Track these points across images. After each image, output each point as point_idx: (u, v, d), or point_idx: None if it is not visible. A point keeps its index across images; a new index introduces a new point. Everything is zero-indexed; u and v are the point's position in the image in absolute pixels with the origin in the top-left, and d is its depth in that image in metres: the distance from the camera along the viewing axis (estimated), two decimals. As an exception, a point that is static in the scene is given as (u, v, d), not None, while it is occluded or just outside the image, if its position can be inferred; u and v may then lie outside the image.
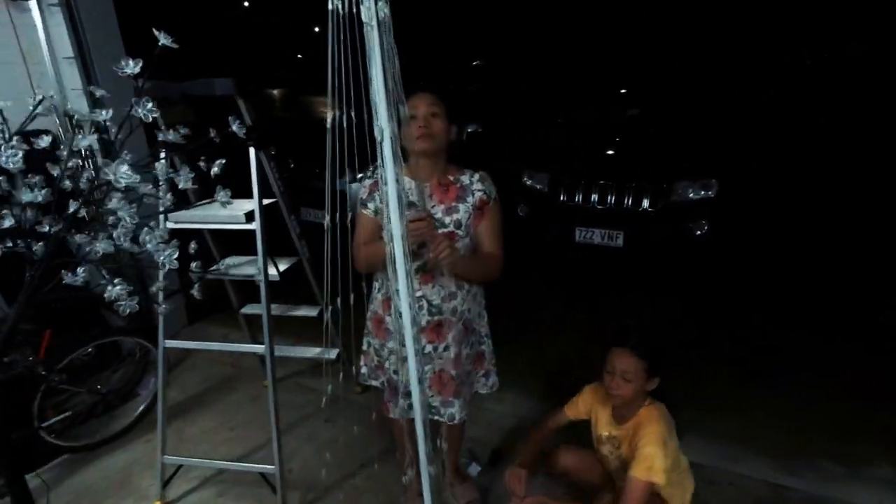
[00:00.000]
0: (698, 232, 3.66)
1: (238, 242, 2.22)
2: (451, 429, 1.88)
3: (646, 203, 3.72)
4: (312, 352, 2.57)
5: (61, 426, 2.34)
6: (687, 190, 3.69)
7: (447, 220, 1.59)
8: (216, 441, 2.53)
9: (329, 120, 1.01)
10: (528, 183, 4.31)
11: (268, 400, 2.02)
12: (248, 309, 2.56)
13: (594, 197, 3.86)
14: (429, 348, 1.67)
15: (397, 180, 1.08)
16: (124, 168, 0.92)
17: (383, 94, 1.00)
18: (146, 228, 0.98)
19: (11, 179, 1.14)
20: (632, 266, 4.14)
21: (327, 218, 1.12)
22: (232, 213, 1.97)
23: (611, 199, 3.80)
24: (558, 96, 5.50)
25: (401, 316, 1.21)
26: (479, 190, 1.62)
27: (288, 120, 6.33)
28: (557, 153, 4.45)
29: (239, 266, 2.21)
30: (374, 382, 1.79)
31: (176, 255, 0.99)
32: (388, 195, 1.08)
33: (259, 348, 2.03)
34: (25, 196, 1.05)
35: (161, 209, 1.31)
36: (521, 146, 4.80)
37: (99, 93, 1.13)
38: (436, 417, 1.75)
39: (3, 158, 0.94)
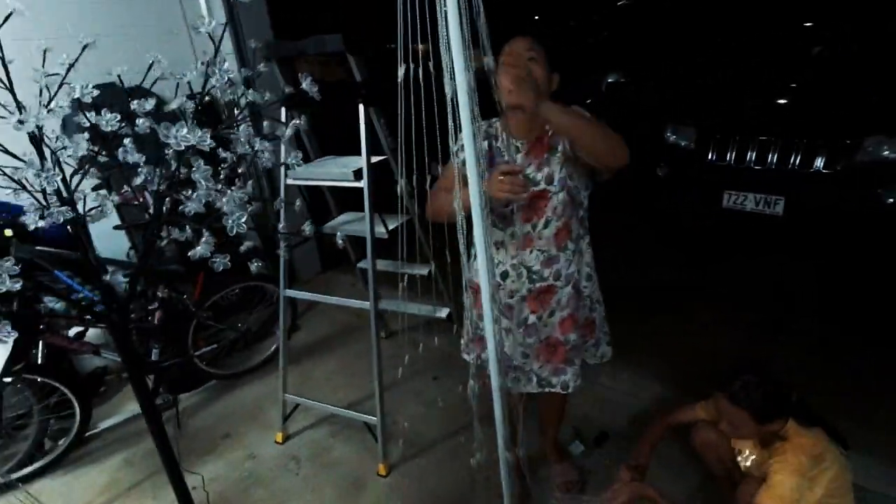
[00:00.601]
0: (891, 200, 2.94)
1: (359, 199, 2.28)
2: (552, 400, 1.77)
3: (819, 163, 3.07)
4: (423, 309, 2.59)
5: (211, 356, 2.69)
6: (881, 147, 2.96)
7: (538, 176, 1.45)
8: (336, 385, 2.73)
9: (400, 73, 0.92)
10: (672, 139, 3.81)
11: (371, 354, 2.09)
12: (363, 264, 2.65)
13: (751, 156, 3.29)
14: (532, 319, 1.56)
15: (477, 139, 0.96)
16: (198, 133, 0.93)
17: (457, 36, 0.87)
18: (219, 192, 0.99)
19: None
20: (792, 238, 3.51)
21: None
22: (342, 170, 2.01)
23: (772, 158, 3.20)
24: (717, 33, 4.72)
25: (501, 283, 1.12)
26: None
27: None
28: (709, 104, 3.85)
29: (350, 223, 2.27)
30: (466, 356, 1.72)
31: (244, 220, 0.99)
32: (467, 158, 0.98)
33: (364, 304, 2.09)
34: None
35: (280, 164, 1.32)
36: (666, 96, 4.24)
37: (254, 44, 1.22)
38: (547, 390, 1.65)
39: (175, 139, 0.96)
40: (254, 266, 1.25)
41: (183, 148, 0.95)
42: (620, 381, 2.53)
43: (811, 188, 3.14)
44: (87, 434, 2.36)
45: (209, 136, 0.95)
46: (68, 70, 0.94)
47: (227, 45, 3.40)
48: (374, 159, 2.15)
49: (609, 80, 5.33)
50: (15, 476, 2.18)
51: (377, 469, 2.13)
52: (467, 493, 2.00)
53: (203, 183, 0.98)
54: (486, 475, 1.71)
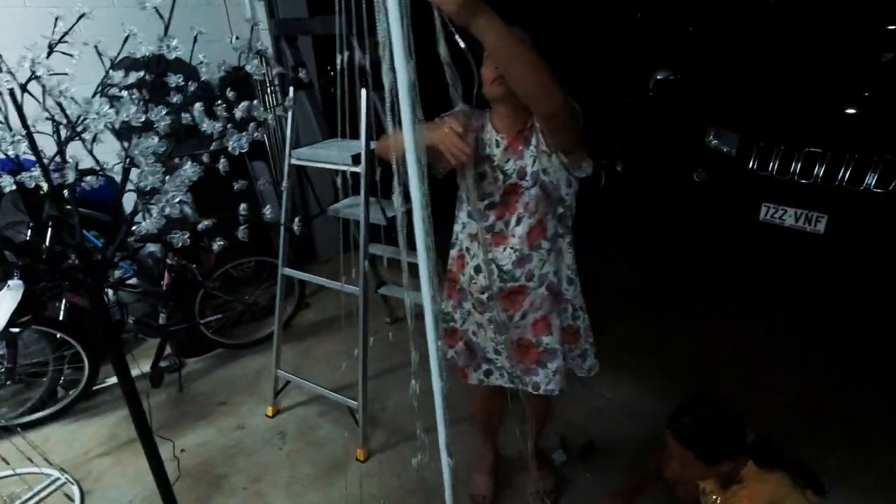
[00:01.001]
0: (951, 227, 2.66)
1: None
2: (536, 401, 1.71)
3: (870, 180, 2.81)
4: (418, 297, 2.57)
5: (217, 325, 2.77)
6: (945, 168, 2.67)
7: (510, 169, 1.39)
8: (334, 365, 2.75)
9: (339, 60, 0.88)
10: (713, 143, 3.59)
11: (358, 340, 2.09)
12: (372, 249, 2.64)
13: (795, 167, 3.05)
14: (502, 316, 1.50)
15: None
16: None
17: (397, 20, 0.82)
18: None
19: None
20: (831, 259, 3.27)
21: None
22: (341, 153, 2.00)
23: (818, 171, 2.96)
24: (778, 33, 4.39)
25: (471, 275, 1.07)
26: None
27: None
28: (757, 108, 3.59)
29: (353, 207, 2.26)
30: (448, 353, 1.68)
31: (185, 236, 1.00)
32: (407, 156, 0.93)
33: (354, 289, 2.08)
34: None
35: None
36: (712, 96, 3.98)
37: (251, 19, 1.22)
38: (519, 386, 1.60)
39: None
40: (241, 233, 1.22)
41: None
42: (618, 391, 2.44)
43: (859, 207, 2.88)
44: (96, 388, 2.50)
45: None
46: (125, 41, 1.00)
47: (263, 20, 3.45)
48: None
49: (658, 77, 5.06)
50: (28, 419, 2.33)
51: (357, 454, 2.14)
52: (440, 488, 1.98)
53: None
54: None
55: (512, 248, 1.44)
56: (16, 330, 2.07)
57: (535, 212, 1.40)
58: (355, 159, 1.97)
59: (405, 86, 0.87)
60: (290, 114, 2.10)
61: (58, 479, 2.05)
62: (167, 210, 1.00)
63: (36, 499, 1.98)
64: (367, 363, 2.12)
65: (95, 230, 2.64)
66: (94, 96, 1.02)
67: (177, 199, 0.99)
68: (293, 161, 2.13)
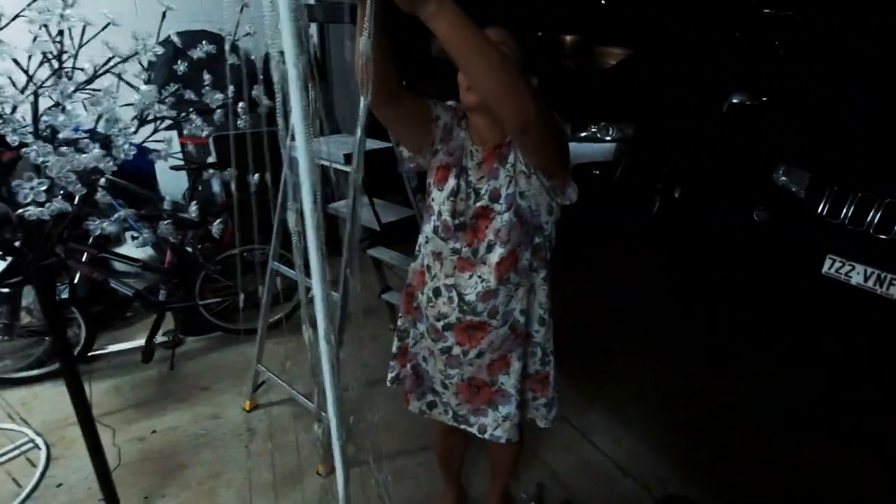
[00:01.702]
0: None
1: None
2: (494, 448, 1.53)
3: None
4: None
5: (218, 308, 2.75)
6: None
7: (482, 189, 1.22)
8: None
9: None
10: (782, 180, 3.20)
11: (330, 349, 1.97)
12: (373, 252, 2.53)
13: (873, 218, 2.63)
14: (457, 350, 1.33)
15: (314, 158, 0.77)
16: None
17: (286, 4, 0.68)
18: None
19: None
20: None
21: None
22: (335, 150, 1.88)
23: (900, 226, 2.54)
24: (876, 70, 3.85)
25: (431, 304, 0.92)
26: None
27: (574, 70, 6.02)
28: (836, 147, 3.16)
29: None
30: (390, 372, 1.53)
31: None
32: (301, 179, 0.79)
33: (335, 294, 1.96)
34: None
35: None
36: (787, 128, 3.56)
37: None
38: (462, 427, 1.43)
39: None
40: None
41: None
42: (617, 448, 2.18)
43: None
44: (92, 354, 2.54)
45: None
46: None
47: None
48: (378, 145, 2.00)
49: (734, 100, 4.62)
50: (24, 374, 2.40)
51: (318, 467, 2.02)
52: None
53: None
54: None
55: (480, 276, 1.26)
56: (5, 290, 2.12)
57: (508, 240, 1.22)
58: (347, 158, 1.85)
59: (295, 84, 0.73)
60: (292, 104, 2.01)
61: (32, 440, 2.08)
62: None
63: (6, 457, 2.01)
64: (337, 371, 2.00)
65: (123, 199, 2.70)
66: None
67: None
68: (291, 153, 2.03)
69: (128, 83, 0.99)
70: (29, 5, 0.87)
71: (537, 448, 2.14)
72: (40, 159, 0.87)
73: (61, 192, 1.02)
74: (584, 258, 3.92)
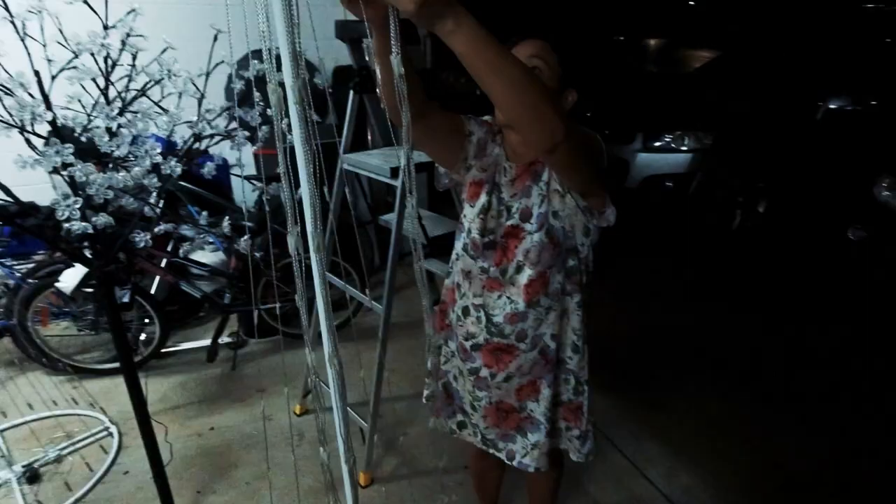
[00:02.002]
0: None
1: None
2: (531, 477, 1.47)
3: None
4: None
5: (278, 313, 2.87)
6: None
7: (513, 207, 1.17)
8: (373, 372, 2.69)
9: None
10: (883, 195, 2.86)
11: (376, 359, 1.99)
12: (427, 264, 2.53)
13: None
14: (485, 372, 1.28)
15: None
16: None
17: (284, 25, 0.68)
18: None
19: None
20: None
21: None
22: (385, 163, 1.90)
23: None
24: None
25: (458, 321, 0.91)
26: None
27: (655, 76, 5.83)
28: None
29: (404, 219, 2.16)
30: (426, 389, 1.50)
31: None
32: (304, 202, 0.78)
33: (378, 306, 1.98)
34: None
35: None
36: (887, 136, 3.16)
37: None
38: (492, 451, 1.38)
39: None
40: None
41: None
42: (670, 483, 2.02)
43: None
44: (165, 350, 2.73)
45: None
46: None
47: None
48: (426, 158, 2.00)
49: (831, 106, 4.19)
50: (108, 366, 2.63)
51: (359, 476, 2.04)
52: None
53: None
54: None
55: (508, 297, 1.21)
56: (89, 290, 2.33)
57: (538, 262, 1.16)
58: (395, 171, 1.86)
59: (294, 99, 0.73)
60: (347, 117, 2.07)
61: (107, 428, 2.27)
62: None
63: (83, 442, 2.20)
64: (381, 383, 2.02)
65: (199, 206, 2.90)
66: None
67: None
68: (344, 166, 2.09)
69: (158, 105, 1.05)
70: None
71: (581, 478, 2.03)
72: (83, 178, 0.94)
73: (112, 206, 1.09)
74: (648, 274, 3.70)
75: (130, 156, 1.00)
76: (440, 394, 1.44)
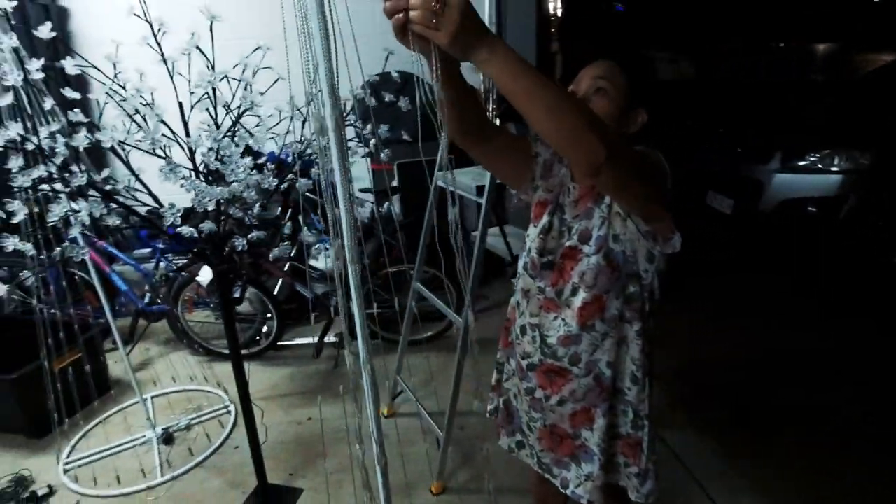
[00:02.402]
0: None
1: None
2: None
3: None
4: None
5: (378, 319, 3.06)
6: None
7: (574, 228, 1.15)
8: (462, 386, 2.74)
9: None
10: None
11: (453, 371, 2.04)
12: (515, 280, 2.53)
13: None
14: (539, 393, 1.27)
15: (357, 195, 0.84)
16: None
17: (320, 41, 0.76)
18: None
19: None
20: None
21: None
22: (469, 182, 1.96)
23: None
24: None
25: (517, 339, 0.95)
26: None
27: (811, 85, 5.35)
28: None
29: (496, 236, 2.20)
30: (489, 404, 1.51)
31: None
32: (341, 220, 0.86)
33: (458, 318, 2.03)
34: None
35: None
36: None
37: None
38: (547, 476, 1.35)
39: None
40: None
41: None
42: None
43: None
44: (281, 343, 3.06)
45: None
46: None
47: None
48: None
49: None
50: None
51: (431, 485, 2.10)
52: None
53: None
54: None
55: (563, 319, 1.19)
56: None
57: (593, 285, 1.13)
58: (480, 190, 1.91)
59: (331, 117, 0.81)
60: (442, 136, 2.16)
61: (227, 406, 2.61)
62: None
63: (207, 416, 2.55)
64: (457, 394, 2.06)
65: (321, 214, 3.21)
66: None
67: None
68: (438, 183, 2.18)
69: (247, 129, 1.21)
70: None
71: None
72: (193, 192, 1.13)
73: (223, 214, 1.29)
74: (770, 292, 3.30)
75: (232, 172, 1.17)
76: (502, 410, 1.45)
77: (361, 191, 3.65)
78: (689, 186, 4.59)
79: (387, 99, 1.53)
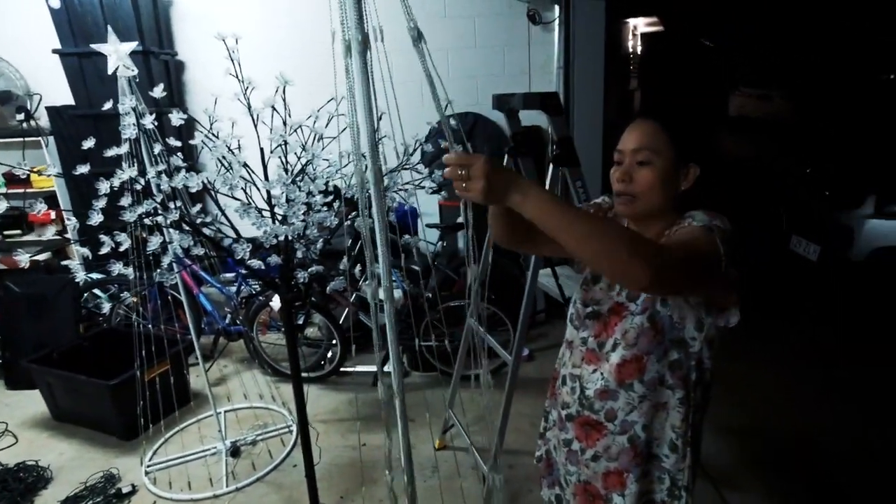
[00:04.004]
0: None
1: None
2: None
3: None
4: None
5: (436, 351, 3.14)
6: None
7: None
8: (511, 426, 2.72)
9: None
10: None
11: (500, 405, 2.06)
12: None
13: None
14: (576, 446, 1.27)
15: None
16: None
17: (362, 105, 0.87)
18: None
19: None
20: None
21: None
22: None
23: None
24: None
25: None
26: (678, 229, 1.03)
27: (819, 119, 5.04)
28: None
29: (544, 277, 2.23)
30: (537, 450, 1.51)
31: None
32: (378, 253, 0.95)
33: (507, 357, 2.06)
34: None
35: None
36: None
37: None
38: None
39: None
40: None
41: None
42: None
43: None
44: (343, 369, 3.21)
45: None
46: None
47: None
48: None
49: None
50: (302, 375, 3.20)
51: (476, 521, 2.10)
52: None
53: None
54: None
55: (601, 373, 1.19)
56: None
57: (634, 345, 1.11)
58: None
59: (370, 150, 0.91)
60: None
61: (289, 426, 2.77)
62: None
63: (269, 434, 2.72)
64: (503, 431, 2.08)
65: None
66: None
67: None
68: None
69: (309, 176, 1.36)
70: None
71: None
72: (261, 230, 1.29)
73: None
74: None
75: (293, 214, 1.32)
76: (545, 460, 1.45)
77: (428, 226, 3.80)
78: (772, 230, 4.34)
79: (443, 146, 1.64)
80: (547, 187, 1.87)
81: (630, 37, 9.17)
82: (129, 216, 1.32)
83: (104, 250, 1.43)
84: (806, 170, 4.36)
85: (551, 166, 1.87)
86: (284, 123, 1.32)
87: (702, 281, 0.96)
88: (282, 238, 1.39)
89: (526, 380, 3.12)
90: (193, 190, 1.33)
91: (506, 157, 2.24)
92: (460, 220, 3.97)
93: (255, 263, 1.36)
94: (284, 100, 1.34)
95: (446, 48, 3.71)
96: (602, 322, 1.18)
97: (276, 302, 2.89)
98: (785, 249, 4.13)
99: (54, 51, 3.40)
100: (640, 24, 9.23)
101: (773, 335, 3.54)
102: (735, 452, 2.52)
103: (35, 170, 3.47)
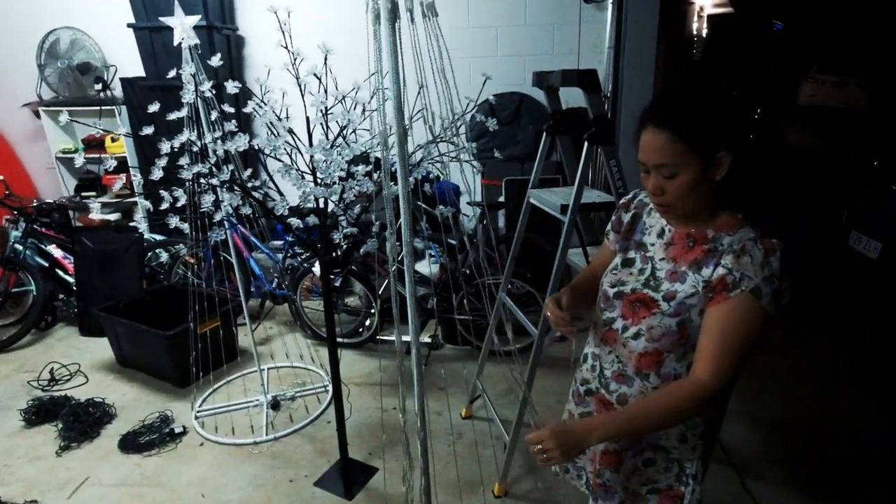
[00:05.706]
0: None
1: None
2: None
3: None
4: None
5: (471, 325, 3.21)
6: None
7: (663, 286, 1.12)
8: (537, 400, 2.78)
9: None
10: None
11: (520, 399, 2.11)
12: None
13: None
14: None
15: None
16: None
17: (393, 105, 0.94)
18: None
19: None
20: None
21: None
22: (555, 201, 2.04)
23: None
24: None
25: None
26: (725, 266, 1.02)
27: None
28: None
29: (576, 256, 2.25)
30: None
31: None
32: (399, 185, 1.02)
33: (534, 331, 2.10)
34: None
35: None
36: None
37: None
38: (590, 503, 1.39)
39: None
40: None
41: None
42: None
43: None
44: (380, 337, 3.34)
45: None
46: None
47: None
48: (595, 199, 2.06)
49: None
50: (341, 340, 3.36)
51: (494, 487, 2.18)
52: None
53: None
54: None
55: (618, 356, 1.20)
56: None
57: (657, 341, 1.12)
58: (563, 209, 1.98)
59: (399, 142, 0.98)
60: (538, 154, 2.27)
61: (325, 385, 2.93)
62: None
63: (307, 392, 2.89)
64: (525, 403, 2.13)
65: (429, 223, 3.47)
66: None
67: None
68: (530, 200, 2.29)
69: (346, 142, 1.44)
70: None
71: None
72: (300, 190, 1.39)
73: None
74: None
75: (328, 176, 1.42)
76: None
77: (468, 204, 3.85)
78: (831, 225, 4.13)
79: (487, 123, 1.66)
80: (581, 165, 1.88)
81: (696, 18, 8.73)
82: (186, 174, 1.45)
83: (164, 206, 1.58)
84: (873, 162, 4.10)
85: (586, 144, 1.87)
86: (326, 91, 1.41)
87: (743, 363, 1.03)
88: (321, 200, 1.49)
89: (556, 359, 3.16)
90: (240, 149, 1.44)
91: (544, 135, 2.27)
92: (501, 199, 4.03)
93: (295, 222, 1.46)
94: (326, 69, 1.42)
95: (496, 25, 3.71)
96: (630, 306, 1.16)
97: (318, 268, 3.04)
98: (843, 246, 3.93)
99: (129, 25, 3.65)
100: (707, 6, 8.77)
101: (822, 331, 3.41)
102: (763, 442, 2.48)
103: (109, 136, 3.75)
